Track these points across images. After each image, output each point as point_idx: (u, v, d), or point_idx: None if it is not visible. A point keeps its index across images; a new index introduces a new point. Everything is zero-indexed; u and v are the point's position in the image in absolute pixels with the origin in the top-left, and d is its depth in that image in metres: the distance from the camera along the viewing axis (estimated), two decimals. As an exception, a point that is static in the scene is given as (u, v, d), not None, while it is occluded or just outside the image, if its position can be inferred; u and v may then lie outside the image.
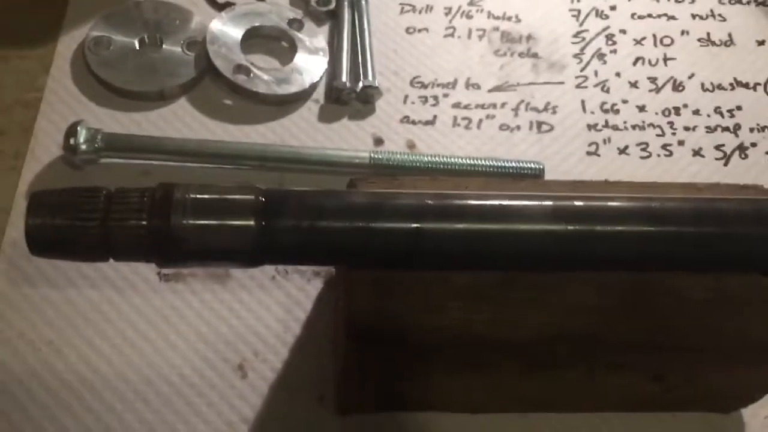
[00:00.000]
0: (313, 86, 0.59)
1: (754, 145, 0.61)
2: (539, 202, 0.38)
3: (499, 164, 0.55)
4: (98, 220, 0.34)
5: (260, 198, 0.35)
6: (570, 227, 0.37)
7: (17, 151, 0.53)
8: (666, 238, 0.38)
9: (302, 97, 0.58)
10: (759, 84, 0.65)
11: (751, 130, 0.62)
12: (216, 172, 0.54)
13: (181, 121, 0.56)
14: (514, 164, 0.55)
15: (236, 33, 0.59)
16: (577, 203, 0.38)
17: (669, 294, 0.39)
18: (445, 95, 0.61)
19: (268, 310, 0.49)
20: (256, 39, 0.60)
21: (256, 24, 0.60)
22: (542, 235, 0.37)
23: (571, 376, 0.41)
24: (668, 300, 0.39)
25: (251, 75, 0.57)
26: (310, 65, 0.59)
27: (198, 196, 0.35)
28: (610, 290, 0.39)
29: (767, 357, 0.40)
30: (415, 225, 0.36)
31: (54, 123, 0.54)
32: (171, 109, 0.57)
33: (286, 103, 0.58)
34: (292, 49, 0.60)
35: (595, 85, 0.63)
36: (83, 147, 0.51)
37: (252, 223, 0.34)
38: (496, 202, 0.37)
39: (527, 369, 0.40)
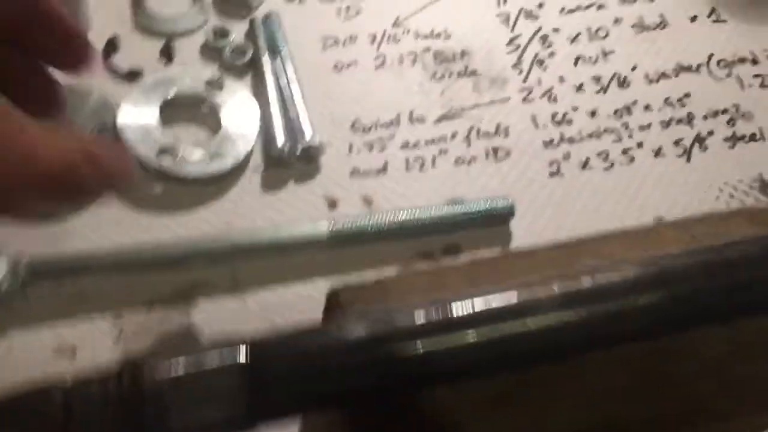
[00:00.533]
0: (249, 153, 0.53)
1: (711, 133, 0.59)
2: (546, 291, 0.34)
3: (468, 209, 0.51)
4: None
5: (247, 361, 0.30)
6: (584, 311, 0.34)
7: (-76, 298, 0.46)
8: (682, 300, 0.35)
9: (241, 167, 0.53)
10: (701, 64, 0.63)
11: (705, 117, 0.60)
12: (160, 279, 0.48)
13: (108, 223, 0.50)
14: (483, 206, 0.51)
15: (151, 110, 0.52)
16: (585, 282, 0.35)
17: (689, 355, 0.37)
18: (391, 136, 0.56)
19: None
20: (174, 109, 0.54)
21: (171, 94, 0.54)
22: (557, 325, 0.34)
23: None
24: (689, 361, 0.37)
25: (178, 156, 0.51)
26: (242, 129, 0.53)
27: (172, 376, 0.29)
28: (630, 365, 0.36)
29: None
30: (421, 348, 0.32)
31: (-39, 255, 0.47)
32: (93, 212, 0.50)
33: (224, 179, 0.52)
34: (216, 114, 0.54)
35: (541, 96, 0.60)
36: (6, 284, 0.44)
37: (239, 403, 0.30)
38: (504, 301, 0.33)
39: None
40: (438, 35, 0.62)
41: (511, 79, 0.60)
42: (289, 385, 0.31)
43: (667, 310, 0.36)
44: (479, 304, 0.34)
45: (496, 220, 0.52)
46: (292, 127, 0.54)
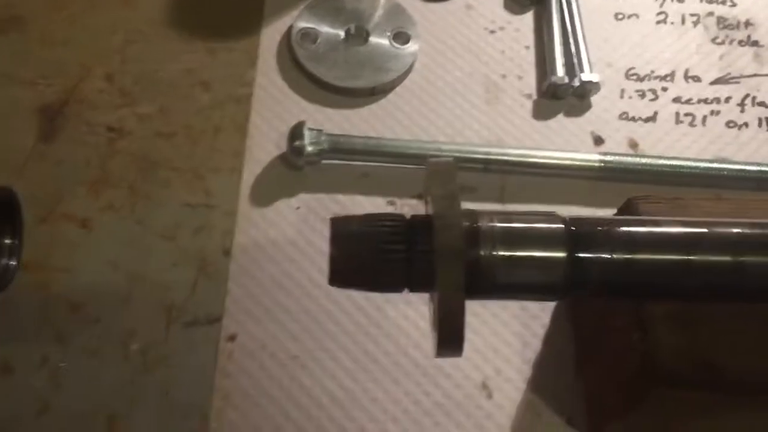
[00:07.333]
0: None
1: None
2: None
3: (739, 168, 0.51)
4: (404, 251, 0.32)
5: (570, 227, 0.32)
6: None
7: (235, 150, 0.52)
8: None
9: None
10: None
11: None
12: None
13: (392, 118, 0.54)
14: (754, 168, 0.51)
15: (445, 23, 0.56)
16: None
17: None
18: (664, 89, 0.57)
19: (504, 325, 0.47)
20: (461, 29, 0.58)
21: (464, 13, 0.57)
22: None
23: None
24: None
25: (465, 69, 0.54)
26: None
27: (505, 225, 0.32)
28: None
29: None
30: (738, 258, 0.32)
31: (267, 120, 0.53)
32: (381, 105, 0.54)
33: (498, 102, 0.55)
34: (501, 39, 0.57)
35: (827, 77, 0.58)
36: (309, 149, 0.49)
37: (564, 255, 0.32)
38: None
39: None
40: (723, 1, 0.61)
41: (795, 55, 0.59)
42: (604, 266, 0.33)
43: None
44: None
45: (764, 186, 0.52)
46: (571, 63, 0.56)
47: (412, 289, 0.33)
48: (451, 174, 0.32)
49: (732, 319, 0.35)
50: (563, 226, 0.33)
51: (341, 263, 0.32)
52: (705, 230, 0.33)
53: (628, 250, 0.32)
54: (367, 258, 0.32)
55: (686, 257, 0.32)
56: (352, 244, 0.32)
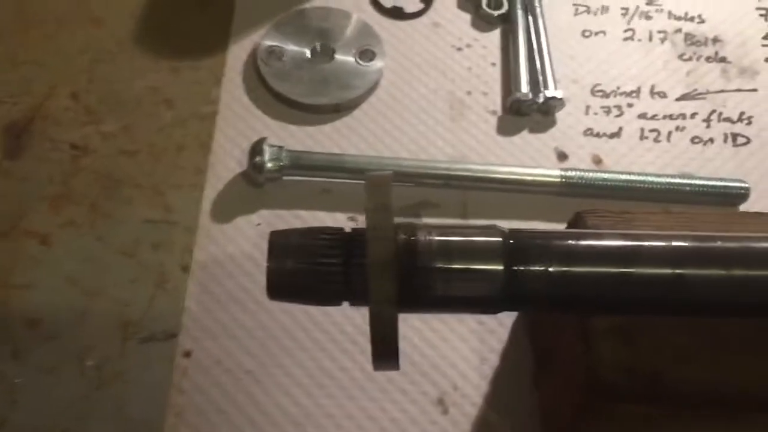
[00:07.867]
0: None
1: None
2: None
3: (701, 183, 0.51)
4: (341, 265, 0.32)
5: (508, 241, 0.32)
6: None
7: (197, 167, 0.52)
8: None
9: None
10: None
11: None
12: (397, 191, 0.51)
13: (356, 135, 0.54)
14: (717, 184, 0.51)
15: (410, 41, 0.56)
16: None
17: None
18: (630, 105, 0.57)
19: (462, 339, 0.46)
20: (427, 46, 0.58)
21: (430, 31, 0.57)
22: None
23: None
24: None
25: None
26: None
27: (443, 238, 0.32)
28: None
29: None
30: (677, 271, 0.32)
31: (231, 138, 0.53)
32: (345, 122, 0.55)
33: (462, 118, 0.55)
34: (466, 56, 0.57)
35: (793, 93, 0.58)
36: (269, 165, 0.49)
37: (501, 268, 0.32)
38: (763, 245, 0.33)
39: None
40: (692, 18, 0.61)
41: (762, 71, 0.59)
42: (543, 280, 0.32)
43: None
44: (737, 242, 0.34)
45: (726, 201, 0.52)
46: (536, 79, 0.56)
47: (352, 303, 0.33)
48: (386, 187, 0.32)
49: (676, 332, 0.35)
50: (501, 239, 0.32)
51: (279, 276, 0.32)
52: (644, 243, 0.33)
53: (565, 263, 0.32)
54: (304, 271, 0.32)
55: (625, 270, 0.32)
56: (290, 258, 0.32)
